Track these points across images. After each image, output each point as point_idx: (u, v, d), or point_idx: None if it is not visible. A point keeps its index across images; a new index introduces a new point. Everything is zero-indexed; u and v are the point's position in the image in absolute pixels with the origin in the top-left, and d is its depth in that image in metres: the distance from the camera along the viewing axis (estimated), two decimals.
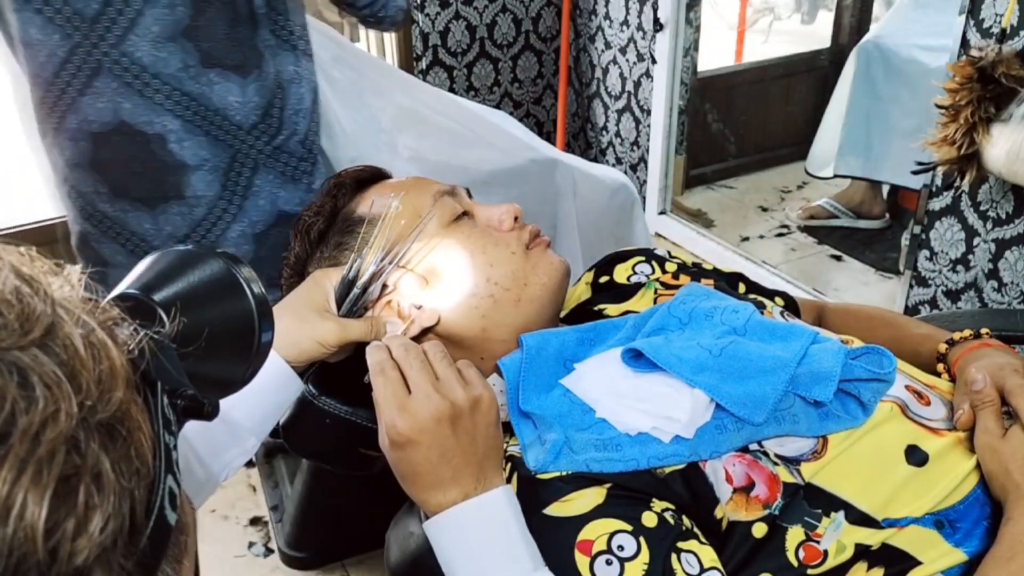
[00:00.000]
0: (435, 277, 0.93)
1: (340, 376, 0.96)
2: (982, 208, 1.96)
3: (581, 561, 0.75)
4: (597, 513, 0.77)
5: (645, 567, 0.74)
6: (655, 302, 1.02)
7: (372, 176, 1.04)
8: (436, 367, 0.81)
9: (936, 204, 2.07)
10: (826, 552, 0.78)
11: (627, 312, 1.00)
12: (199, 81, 1.23)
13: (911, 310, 2.19)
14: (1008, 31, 1.78)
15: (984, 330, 0.96)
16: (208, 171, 1.28)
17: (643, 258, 1.10)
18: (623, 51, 2.90)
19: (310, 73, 1.35)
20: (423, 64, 2.88)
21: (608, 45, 2.95)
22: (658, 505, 0.78)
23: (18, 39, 1.20)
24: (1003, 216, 1.92)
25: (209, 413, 0.43)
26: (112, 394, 0.35)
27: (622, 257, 1.11)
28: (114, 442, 0.34)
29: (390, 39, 2.79)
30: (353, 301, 0.90)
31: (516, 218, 0.97)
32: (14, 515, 0.30)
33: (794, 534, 0.79)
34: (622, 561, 0.74)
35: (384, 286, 0.92)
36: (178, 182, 1.27)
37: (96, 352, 0.35)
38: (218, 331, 0.49)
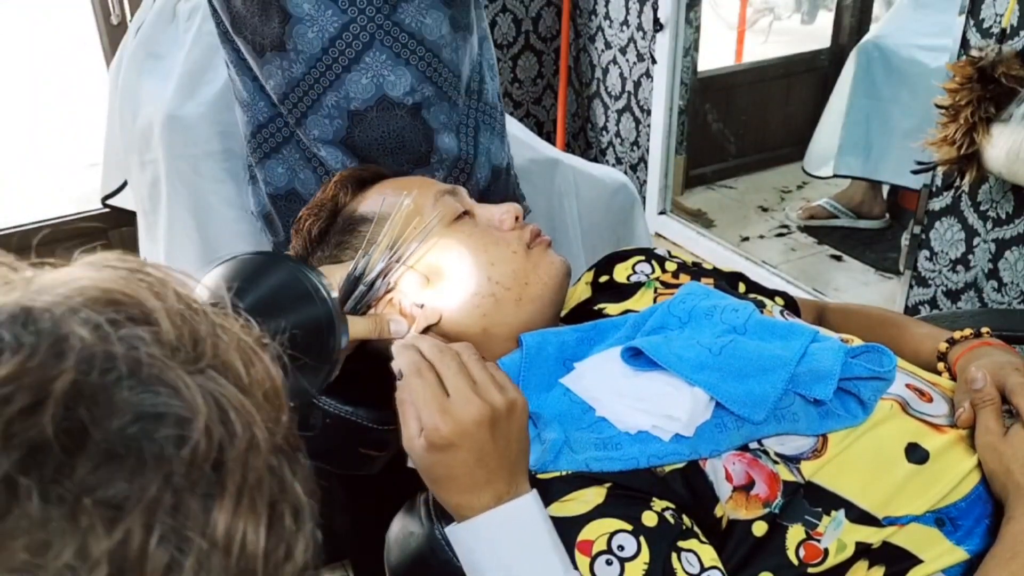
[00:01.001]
0: (437, 276, 0.93)
1: (340, 376, 0.96)
2: (982, 208, 1.96)
3: (581, 561, 0.75)
4: (597, 513, 0.77)
5: (645, 566, 0.74)
6: (655, 301, 1.02)
7: (373, 176, 1.04)
8: (471, 370, 0.79)
9: (936, 204, 2.07)
10: (826, 551, 0.78)
11: (627, 311, 1.00)
12: (451, 46, 1.23)
13: (911, 310, 2.19)
14: (1008, 31, 1.78)
15: (985, 329, 0.96)
16: (447, 133, 1.27)
17: (643, 257, 1.10)
18: (623, 51, 2.90)
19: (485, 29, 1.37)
20: None
21: (608, 45, 2.94)
22: (658, 504, 0.78)
23: (236, 94, 1.21)
24: (1003, 216, 1.92)
25: (313, 425, 0.42)
26: (281, 415, 0.34)
27: (622, 257, 1.11)
28: (293, 464, 0.34)
29: None
30: (358, 299, 0.90)
31: (517, 218, 0.98)
32: (237, 545, 0.30)
33: (794, 533, 0.79)
34: (622, 561, 0.74)
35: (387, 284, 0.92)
36: (429, 150, 1.26)
37: (259, 373, 0.35)
38: (297, 338, 0.48)
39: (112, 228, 2.38)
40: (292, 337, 0.46)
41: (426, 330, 0.91)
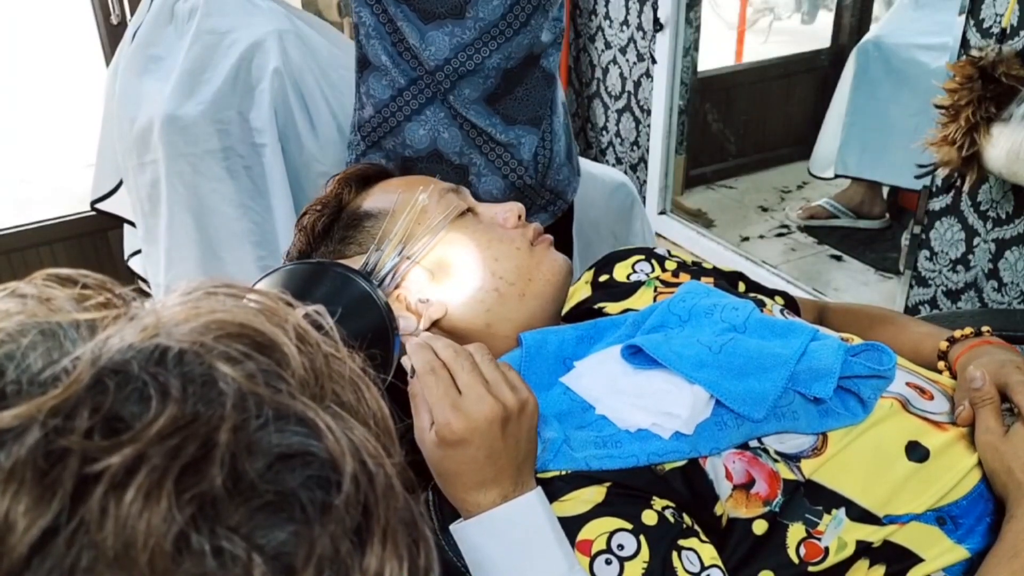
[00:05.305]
0: (442, 271, 0.93)
1: None
2: (982, 208, 1.96)
3: (581, 561, 0.75)
4: (597, 512, 0.77)
5: (645, 565, 0.74)
6: (655, 300, 1.02)
7: (377, 173, 1.05)
8: (483, 369, 0.79)
9: (936, 204, 2.07)
10: (827, 549, 0.78)
11: (627, 310, 1.00)
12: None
13: (911, 310, 2.19)
14: (1008, 31, 1.78)
15: (985, 328, 0.96)
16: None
17: (643, 256, 1.10)
18: (623, 51, 2.90)
19: None
20: None
21: (608, 45, 2.94)
22: (658, 503, 0.78)
23: (371, 59, 1.29)
24: (1003, 216, 1.92)
25: None
26: (393, 446, 0.33)
27: (622, 255, 1.11)
28: (416, 496, 0.33)
29: None
30: None
31: (520, 216, 0.99)
32: None
33: (795, 531, 0.79)
34: (622, 560, 0.74)
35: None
36: (553, 99, 1.34)
37: (369, 403, 0.33)
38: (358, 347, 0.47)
39: (110, 229, 2.38)
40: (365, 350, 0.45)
41: (431, 326, 0.92)
